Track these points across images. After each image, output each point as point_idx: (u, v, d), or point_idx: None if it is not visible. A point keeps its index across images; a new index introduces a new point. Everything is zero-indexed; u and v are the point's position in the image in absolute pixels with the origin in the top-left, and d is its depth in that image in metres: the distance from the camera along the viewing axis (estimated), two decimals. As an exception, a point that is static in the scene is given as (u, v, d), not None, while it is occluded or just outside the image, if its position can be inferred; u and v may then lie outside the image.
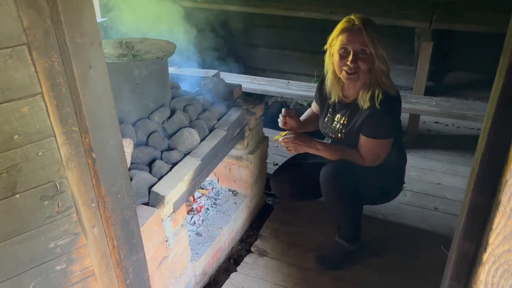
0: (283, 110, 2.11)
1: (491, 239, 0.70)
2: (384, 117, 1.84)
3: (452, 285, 0.85)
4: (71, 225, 1.09)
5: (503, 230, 0.68)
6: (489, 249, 0.70)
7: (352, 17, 1.78)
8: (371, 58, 1.75)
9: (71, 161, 1.07)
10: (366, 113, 1.85)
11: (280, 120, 2.10)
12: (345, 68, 1.79)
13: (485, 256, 0.71)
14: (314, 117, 2.25)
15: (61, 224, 1.07)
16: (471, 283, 0.78)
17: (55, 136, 1.00)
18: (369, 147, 1.89)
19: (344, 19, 1.80)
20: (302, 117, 2.26)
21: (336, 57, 1.82)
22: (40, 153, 0.98)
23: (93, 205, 1.16)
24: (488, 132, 0.68)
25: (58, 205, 1.04)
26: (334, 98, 1.99)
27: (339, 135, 2.01)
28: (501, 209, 0.66)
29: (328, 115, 2.07)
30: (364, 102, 1.84)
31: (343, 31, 1.77)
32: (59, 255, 1.09)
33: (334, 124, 2.03)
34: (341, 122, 1.99)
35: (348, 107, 1.95)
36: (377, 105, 1.80)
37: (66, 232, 1.08)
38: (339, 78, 1.89)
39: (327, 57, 1.91)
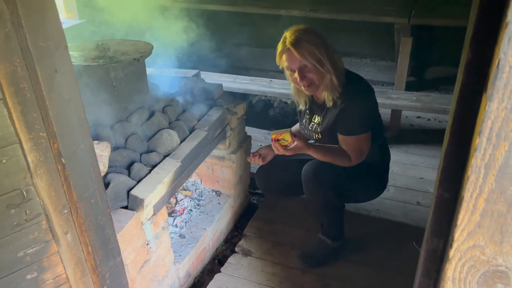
0: (248, 157, 2.20)
1: (456, 235, 0.70)
2: (350, 113, 1.84)
3: (423, 281, 0.86)
4: (41, 232, 1.06)
5: (467, 226, 0.68)
6: (455, 245, 0.70)
7: (286, 34, 1.80)
8: (317, 67, 1.77)
9: (40, 168, 1.04)
10: (336, 112, 1.87)
11: (255, 159, 2.14)
12: (299, 84, 1.84)
13: (452, 253, 0.71)
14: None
15: (30, 232, 1.04)
16: (440, 279, 0.78)
17: (20, 143, 0.97)
18: (348, 145, 1.89)
19: (282, 38, 1.82)
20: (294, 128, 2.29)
21: (288, 76, 1.88)
22: (4, 161, 0.95)
23: (65, 211, 1.14)
24: (450, 128, 0.68)
25: (26, 213, 1.01)
26: (301, 106, 2.06)
27: (316, 135, 2.02)
28: (464, 205, 0.66)
29: (306, 116, 2.09)
30: (328, 101, 1.89)
31: (281, 53, 1.82)
32: (29, 264, 1.07)
33: (311, 125, 2.04)
34: (316, 122, 2.01)
35: (322, 107, 1.97)
36: (338, 104, 1.84)
37: (36, 240, 1.06)
38: None
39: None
